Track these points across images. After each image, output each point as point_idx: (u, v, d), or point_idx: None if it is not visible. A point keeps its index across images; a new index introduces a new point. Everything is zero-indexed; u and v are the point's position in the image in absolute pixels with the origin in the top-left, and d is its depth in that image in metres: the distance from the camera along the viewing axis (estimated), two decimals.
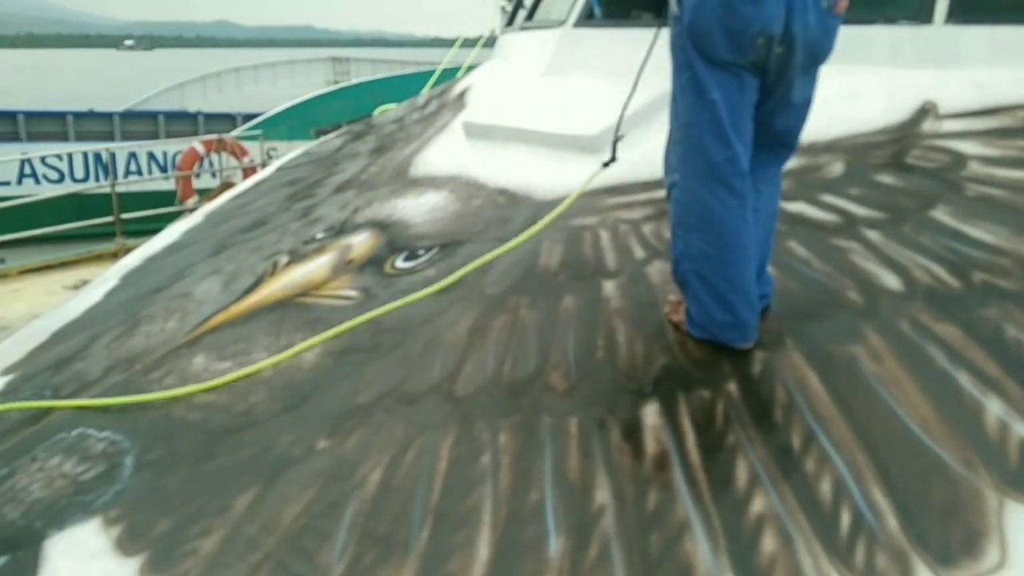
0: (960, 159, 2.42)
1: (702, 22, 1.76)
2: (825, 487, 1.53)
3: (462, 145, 3.31)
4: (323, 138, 5.36)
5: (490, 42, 7.00)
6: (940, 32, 2.81)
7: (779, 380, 1.78)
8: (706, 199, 1.81)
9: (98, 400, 2.11)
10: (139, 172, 12.49)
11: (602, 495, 1.56)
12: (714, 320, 1.84)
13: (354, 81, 18.02)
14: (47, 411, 2.14)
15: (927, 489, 1.51)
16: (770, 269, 2.11)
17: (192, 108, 17.08)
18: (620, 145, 2.24)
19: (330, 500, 1.63)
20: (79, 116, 15.35)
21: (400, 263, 2.51)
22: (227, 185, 8.66)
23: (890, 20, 2.88)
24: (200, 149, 11.55)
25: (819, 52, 1.85)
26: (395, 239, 2.68)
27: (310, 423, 1.87)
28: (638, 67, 2.07)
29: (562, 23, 3.69)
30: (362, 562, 1.49)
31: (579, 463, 1.63)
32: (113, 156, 9.87)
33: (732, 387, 1.77)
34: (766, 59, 1.79)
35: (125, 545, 1.62)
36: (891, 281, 1.99)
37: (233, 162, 11.58)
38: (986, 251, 2.06)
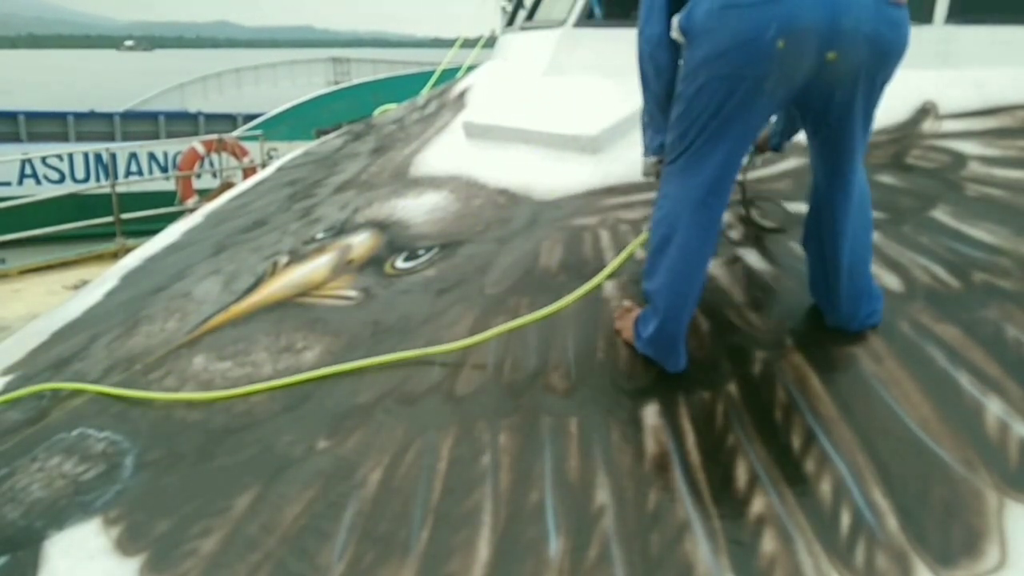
0: (960, 159, 2.42)
1: (707, 32, 1.61)
2: (825, 487, 1.53)
3: (462, 145, 3.31)
4: (323, 138, 5.36)
5: (490, 42, 7.00)
6: (940, 32, 2.81)
7: (779, 380, 1.78)
8: (679, 225, 1.74)
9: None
10: (139, 172, 12.50)
11: (602, 495, 1.56)
12: (654, 341, 1.81)
13: (354, 81, 18.03)
14: (48, 410, 2.15)
15: (927, 489, 1.51)
16: (770, 267, 2.11)
17: (192, 108, 17.09)
18: (620, 145, 2.24)
19: (330, 500, 1.63)
20: (80, 116, 15.37)
21: (400, 263, 2.51)
22: (227, 185, 8.66)
23: None
24: (200, 149, 11.55)
25: (889, 49, 1.61)
26: (395, 239, 2.68)
27: (310, 423, 1.86)
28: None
29: (562, 23, 3.68)
30: (362, 562, 1.49)
31: (579, 463, 1.63)
32: (113, 156, 9.88)
33: (732, 387, 1.77)
34: (812, 70, 1.57)
35: (125, 545, 1.62)
36: (891, 281, 1.99)
37: (233, 162, 11.58)
38: (986, 251, 2.06)
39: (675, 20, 1.71)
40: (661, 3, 1.85)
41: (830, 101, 1.67)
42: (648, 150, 2.00)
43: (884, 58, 1.64)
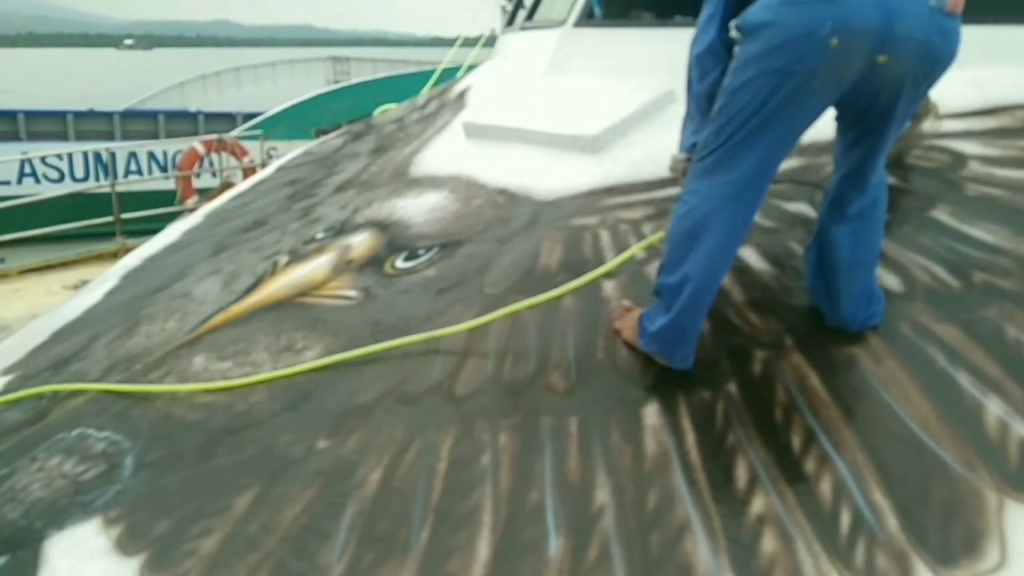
0: (960, 159, 2.41)
1: (762, 26, 1.60)
2: (825, 487, 1.53)
3: (462, 145, 3.31)
4: (323, 138, 5.36)
5: (490, 42, 6.99)
6: None
7: (779, 380, 1.78)
8: (709, 221, 1.71)
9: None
10: (139, 172, 12.51)
11: (602, 495, 1.56)
12: (663, 336, 1.80)
13: (354, 81, 18.02)
14: (48, 410, 2.15)
15: (927, 489, 1.51)
16: (770, 267, 2.11)
17: (192, 107, 17.09)
18: (620, 145, 2.25)
19: (330, 500, 1.63)
20: (79, 115, 15.38)
21: (400, 263, 2.51)
22: (227, 185, 8.66)
23: None
24: (200, 149, 11.56)
25: (938, 58, 1.63)
26: (395, 239, 2.68)
27: (310, 423, 1.87)
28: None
29: (562, 23, 3.68)
30: (362, 562, 1.49)
31: (579, 463, 1.63)
32: (113, 156, 9.87)
33: (732, 387, 1.77)
34: (861, 72, 1.57)
35: (125, 545, 1.62)
36: (891, 281, 1.99)
37: (233, 162, 11.58)
38: (986, 251, 2.06)
39: (733, 22, 1.70)
40: (719, 13, 1.89)
41: (874, 103, 1.67)
42: (681, 147, 2.06)
43: (932, 66, 1.64)
